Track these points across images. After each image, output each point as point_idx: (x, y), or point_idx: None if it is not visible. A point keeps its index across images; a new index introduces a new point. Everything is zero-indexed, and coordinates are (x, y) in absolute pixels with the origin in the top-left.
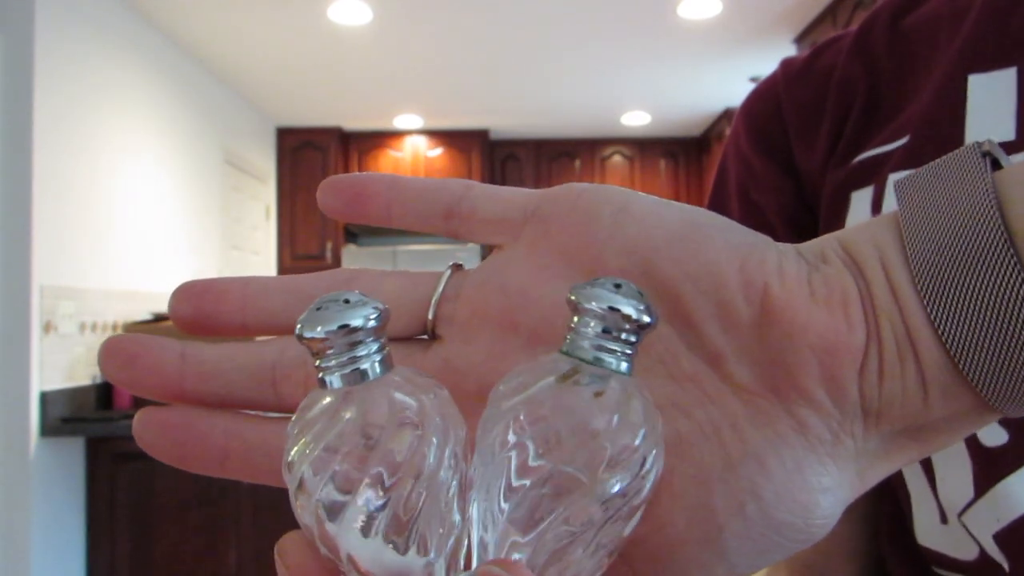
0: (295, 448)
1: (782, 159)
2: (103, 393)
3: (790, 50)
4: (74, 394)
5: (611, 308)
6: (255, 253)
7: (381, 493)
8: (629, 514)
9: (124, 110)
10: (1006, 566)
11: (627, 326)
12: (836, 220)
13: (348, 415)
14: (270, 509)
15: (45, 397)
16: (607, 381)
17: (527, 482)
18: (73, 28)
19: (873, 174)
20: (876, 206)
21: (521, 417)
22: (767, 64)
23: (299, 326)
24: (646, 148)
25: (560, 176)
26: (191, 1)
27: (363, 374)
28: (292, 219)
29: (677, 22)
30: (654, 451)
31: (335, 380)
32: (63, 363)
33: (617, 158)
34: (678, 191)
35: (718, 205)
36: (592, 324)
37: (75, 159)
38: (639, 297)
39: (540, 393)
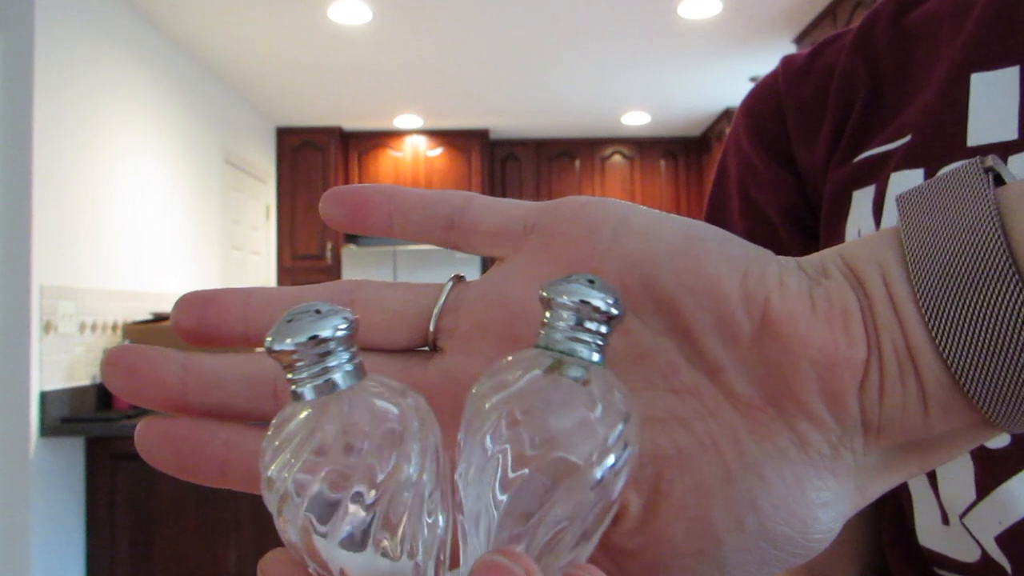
0: (275, 464)
1: (782, 157)
2: (103, 393)
3: (790, 50)
4: (74, 394)
5: (582, 301)
6: (255, 253)
7: (370, 501)
8: (609, 504)
9: (124, 110)
10: (1008, 568)
11: (597, 316)
12: (837, 219)
13: (330, 425)
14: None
15: (45, 397)
16: (590, 371)
17: (522, 474)
18: (73, 28)
19: (875, 173)
20: (877, 206)
21: (512, 410)
22: (767, 64)
23: (269, 339)
24: (646, 148)
25: (560, 176)
26: (191, 1)
27: (334, 384)
28: (292, 219)
29: (677, 22)
30: (635, 436)
31: (308, 392)
32: (63, 363)
33: (617, 158)
34: (678, 191)
35: (718, 203)
36: (565, 316)
37: (75, 159)
38: (607, 290)
39: (529, 386)
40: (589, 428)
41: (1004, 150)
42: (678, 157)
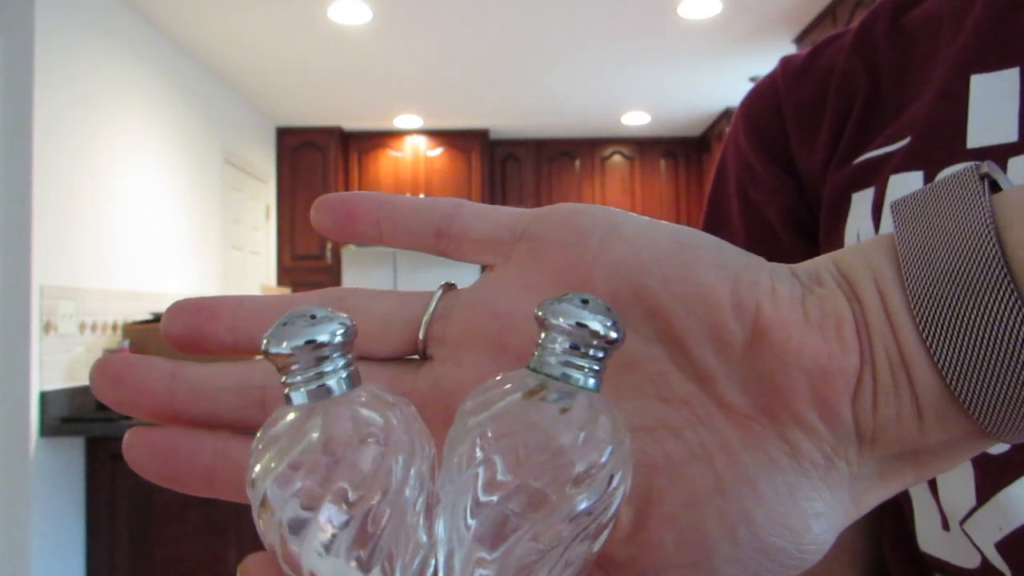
0: (258, 465)
1: (782, 159)
2: None
3: (790, 50)
4: (74, 394)
5: (579, 324)
6: (255, 253)
7: (344, 511)
8: (597, 531)
9: (124, 110)
10: (1009, 575)
11: (595, 342)
12: (836, 221)
13: (312, 432)
14: None
15: (45, 397)
16: (574, 397)
17: (493, 499)
18: (73, 28)
19: (874, 175)
20: (877, 208)
21: (488, 433)
22: (767, 64)
23: (265, 341)
24: (646, 148)
25: (560, 176)
26: (191, 1)
27: (328, 390)
28: (292, 219)
29: (677, 22)
30: (622, 468)
31: (300, 396)
32: (63, 363)
33: (617, 158)
34: (678, 191)
35: (717, 205)
36: (560, 340)
37: (75, 159)
38: (607, 313)
39: (506, 409)
40: (562, 458)
41: (1004, 152)
42: (678, 157)
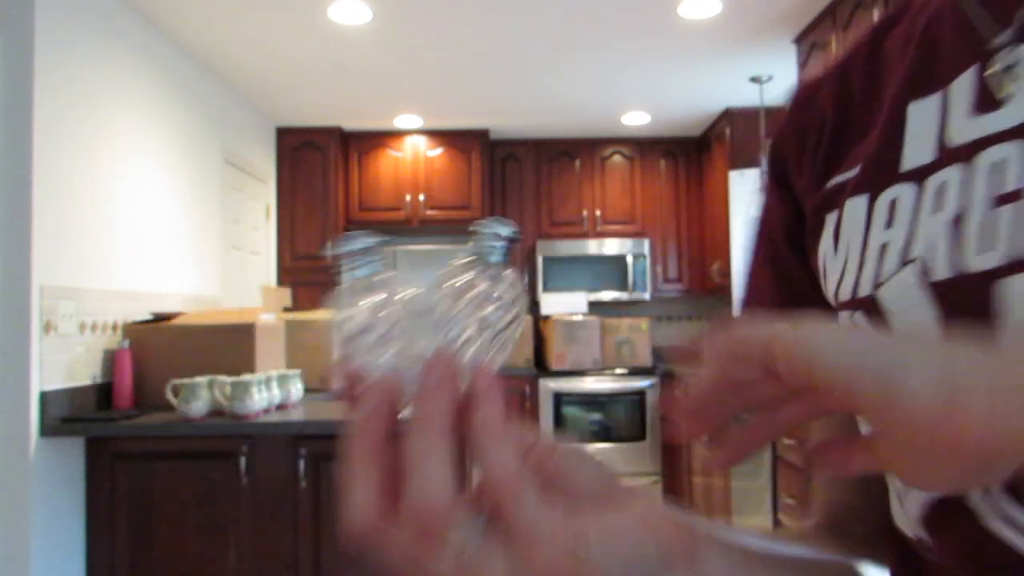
0: (343, 312)
1: (786, 184)
2: (103, 393)
3: (790, 50)
4: (74, 394)
5: (491, 228)
6: (255, 253)
7: (386, 323)
8: (509, 329)
9: (124, 110)
10: (932, 545)
11: (501, 238)
12: (815, 240)
13: (369, 283)
14: (269, 510)
15: (45, 397)
16: (496, 265)
17: (462, 309)
18: (73, 28)
19: (837, 199)
20: (836, 230)
21: (459, 283)
22: (767, 64)
23: (330, 247)
24: (646, 148)
25: (560, 176)
26: (191, 1)
27: (367, 271)
28: (292, 219)
29: (677, 22)
30: (517, 300)
31: (358, 273)
32: (63, 363)
33: (617, 158)
34: (678, 191)
35: (760, 236)
36: (487, 238)
37: (75, 159)
38: (512, 226)
39: (465, 271)
40: (485, 292)
41: (925, 172)
42: (678, 157)
